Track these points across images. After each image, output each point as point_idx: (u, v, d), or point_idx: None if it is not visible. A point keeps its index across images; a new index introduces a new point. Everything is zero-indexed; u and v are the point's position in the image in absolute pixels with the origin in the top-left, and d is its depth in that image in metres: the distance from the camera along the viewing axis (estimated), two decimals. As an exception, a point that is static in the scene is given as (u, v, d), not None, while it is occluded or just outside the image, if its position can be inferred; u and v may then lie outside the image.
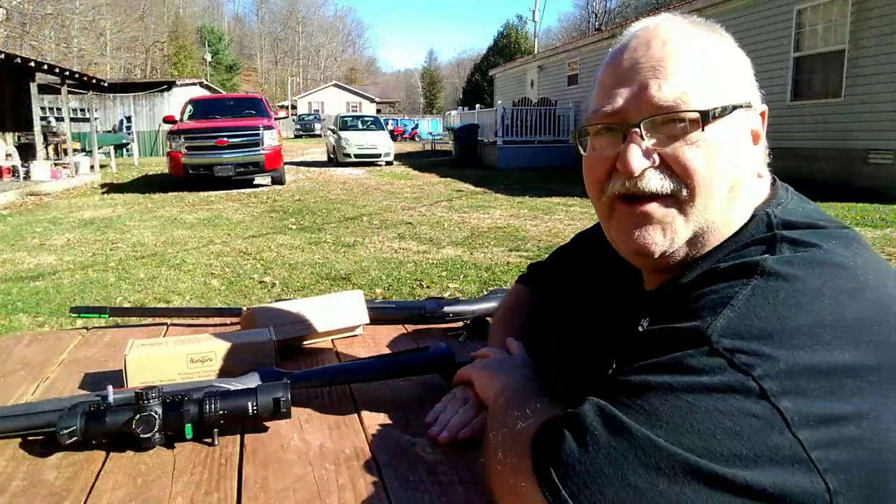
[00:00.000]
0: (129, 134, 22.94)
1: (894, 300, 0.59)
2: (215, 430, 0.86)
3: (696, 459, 0.50)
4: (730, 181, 0.67)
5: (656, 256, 0.69)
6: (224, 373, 1.06)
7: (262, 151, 11.82)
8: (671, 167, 0.67)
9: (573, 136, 0.76)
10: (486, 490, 0.69)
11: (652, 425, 0.52)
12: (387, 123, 27.17)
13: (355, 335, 1.36)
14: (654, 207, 0.68)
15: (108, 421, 0.83)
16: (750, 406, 0.51)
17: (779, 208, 0.69)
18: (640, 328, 0.79)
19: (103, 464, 0.82)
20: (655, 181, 0.67)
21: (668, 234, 0.68)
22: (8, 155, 13.58)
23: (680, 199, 0.67)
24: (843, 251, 0.61)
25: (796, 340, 0.53)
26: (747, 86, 0.72)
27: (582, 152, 0.75)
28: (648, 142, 0.67)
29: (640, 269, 0.78)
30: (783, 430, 0.50)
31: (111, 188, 12.92)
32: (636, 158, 0.66)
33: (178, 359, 1.06)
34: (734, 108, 0.68)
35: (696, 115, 0.65)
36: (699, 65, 0.67)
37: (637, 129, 0.67)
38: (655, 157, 0.67)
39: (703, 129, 0.65)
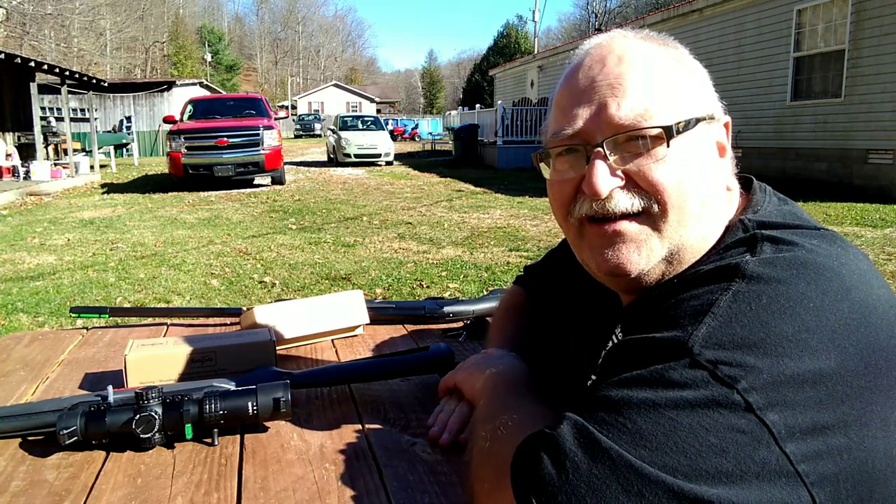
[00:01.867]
0: (129, 134, 22.92)
1: (880, 300, 0.57)
2: (215, 430, 0.86)
3: (680, 484, 0.48)
4: (701, 195, 0.66)
5: (632, 276, 0.67)
6: (224, 373, 1.06)
7: (262, 151, 11.82)
8: (639, 185, 0.65)
9: (534, 159, 0.74)
10: (467, 497, 0.69)
11: (635, 445, 0.50)
12: (387, 123, 27.21)
13: (355, 335, 1.36)
14: (625, 225, 0.66)
15: (108, 421, 0.83)
16: (735, 421, 0.49)
17: (753, 213, 0.67)
18: (615, 338, 0.79)
19: (103, 464, 0.82)
20: (624, 201, 0.65)
21: (643, 253, 0.66)
22: (8, 155, 13.59)
23: (652, 214, 0.65)
24: (826, 249, 0.60)
25: (781, 348, 0.51)
26: (708, 97, 0.70)
27: (545, 175, 0.73)
28: (612, 161, 0.65)
29: (614, 289, 0.75)
30: (770, 444, 0.49)
31: (111, 188, 12.93)
32: (602, 180, 0.65)
33: (178, 359, 1.06)
34: (697, 121, 0.66)
35: (660, 131, 0.64)
36: (656, 80, 0.66)
37: (600, 150, 0.65)
38: (621, 175, 0.65)
39: (668, 145, 0.64)
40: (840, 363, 0.52)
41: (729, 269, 0.58)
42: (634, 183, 0.65)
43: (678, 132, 0.65)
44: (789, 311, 0.53)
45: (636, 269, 0.67)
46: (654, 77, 0.66)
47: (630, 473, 0.49)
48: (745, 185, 0.74)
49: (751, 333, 0.52)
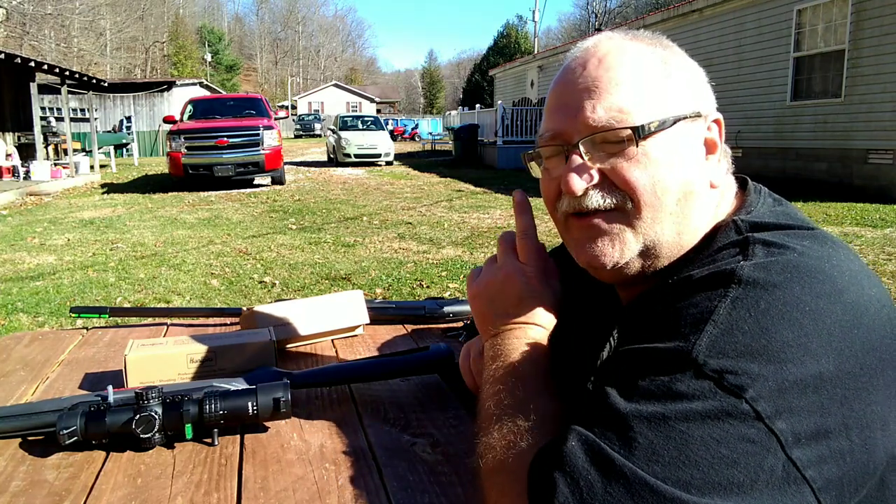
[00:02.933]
0: (129, 134, 22.92)
1: (871, 300, 0.58)
2: (215, 430, 0.86)
3: (696, 500, 0.49)
4: (677, 192, 0.67)
5: (609, 268, 0.70)
6: (224, 373, 1.06)
7: (262, 151, 11.82)
8: (613, 182, 0.67)
9: (523, 159, 0.78)
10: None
11: (648, 461, 0.51)
12: (387, 123, 27.21)
13: (355, 335, 1.36)
14: (600, 220, 0.69)
15: (108, 421, 0.83)
16: (745, 430, 0.50)
17: (746, 214, 0.68)
18: (612, 339, 0.78)
19: (103, 464, 0.82)
20: (597, 198, 0.68)
21: (617, 246, 0.69)
22: (8, 155, 13.58)
23: (626, 211, 0.67)
24: (818, 250, 0.60)
25: (784, 354, 0.52)
26: (695, 96, 0.71)
27: (533, 174, 0.77)
28: (587, 160, 0.68)
29: (604, 281, 0.76)
30: (777, 451, 0.50)
31: (111, 188, 12.92)
32: (575, 179, 0.68)
33: (178, 359, 1.06)
34: (676, 119, 0.67)
35: (629, 132, 0.66)
36: (634, 80, 0.68)
37: (576, 150, 0.68)
38: (595, 174, 0.68)
39: (637, 145, 0.66)
40: (838, 366, 0.52)
41: (724, 274, 0.58)
42: (609, 181, 0.68)
43: (650, 132, 0.66)
44: (787, 316, 0.53)
45: (611, 261, 0.69)
46: (632, 78, 0.68)
47: (645, 492, 0.49)
48: (741, 185, 0.75)
49: (753, 340, 0.52)
